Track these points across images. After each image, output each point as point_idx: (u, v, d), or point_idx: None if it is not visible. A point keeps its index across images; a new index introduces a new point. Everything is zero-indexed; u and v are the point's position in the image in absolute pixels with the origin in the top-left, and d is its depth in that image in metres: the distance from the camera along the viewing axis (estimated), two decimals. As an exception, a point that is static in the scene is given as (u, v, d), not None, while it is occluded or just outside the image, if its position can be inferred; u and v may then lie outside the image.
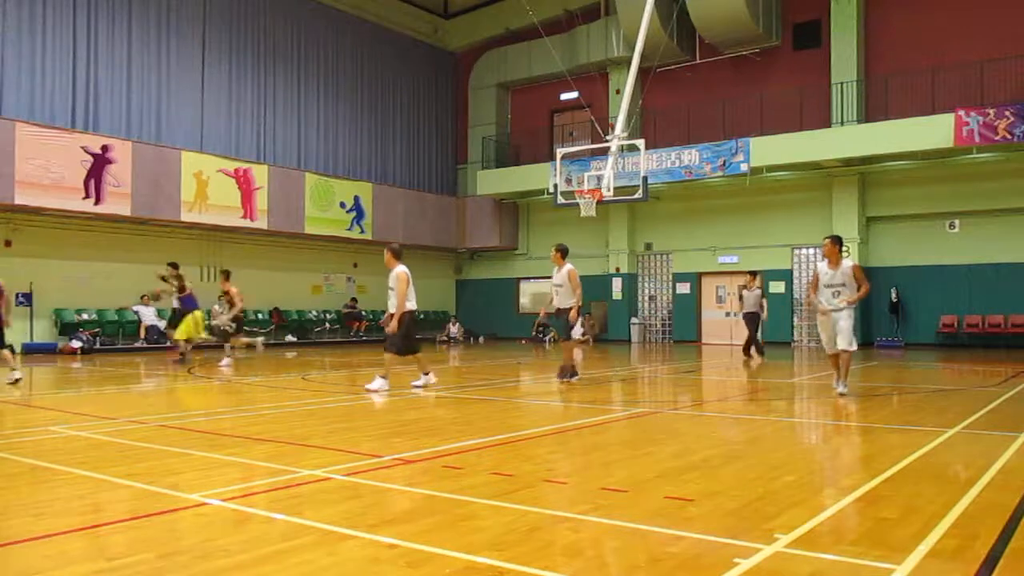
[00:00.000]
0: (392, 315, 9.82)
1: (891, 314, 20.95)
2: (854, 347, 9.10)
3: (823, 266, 9.17)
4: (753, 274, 17.01)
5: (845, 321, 8.97)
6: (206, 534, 3.59)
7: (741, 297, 16.92)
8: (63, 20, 18.61)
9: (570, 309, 10.70)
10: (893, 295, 20.86)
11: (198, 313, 15.04)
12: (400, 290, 9.67)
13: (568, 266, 10.76)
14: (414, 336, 10.17)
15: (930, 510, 3.93)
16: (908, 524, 3.68)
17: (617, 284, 25.27)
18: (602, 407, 8.90)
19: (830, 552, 3.27)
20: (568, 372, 10.98)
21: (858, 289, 9.00)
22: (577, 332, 11.26)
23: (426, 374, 10.23)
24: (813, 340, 22.25)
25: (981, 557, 3.21)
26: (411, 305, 9.88)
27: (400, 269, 9.80)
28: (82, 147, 17.69)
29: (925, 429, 6.66)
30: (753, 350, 16.53)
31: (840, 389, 9.18)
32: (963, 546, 3.36)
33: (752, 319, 16.48)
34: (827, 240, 9.16)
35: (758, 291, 16.53)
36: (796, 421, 7.82)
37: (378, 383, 9.77)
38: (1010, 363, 14.69)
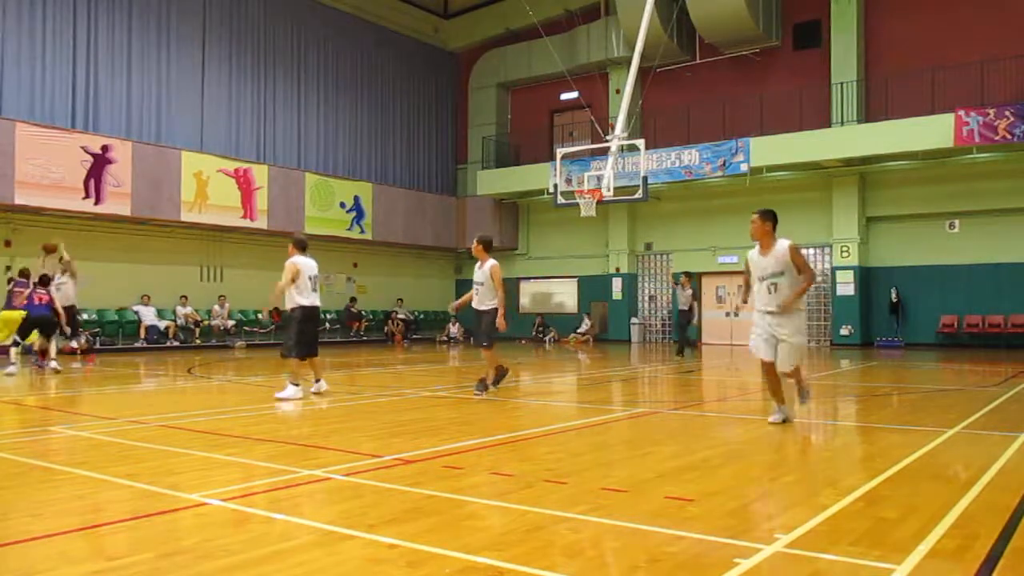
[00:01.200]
0: (291, 310, 8.96)
1: (891, 314, 20.94)
2: (790, 368, 6.78)
3: (754, 253, 6.89)
4: (688, 275, 17.55)
5: (788, 331, 6.60)
6: (206, 534, 3.59)
7: (675, 295, 17.53)
8: (63, 20, 18.61)
9: (491, 310, 9.38)
10: (893, 295, 20.86)
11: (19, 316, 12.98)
12: (284, 280, 8.83)
13: (491, 261, 9.47)
14: (308, 335, 9.07)
15: (930, 510, 3.93)
16: (908, 524, 3.68)
17: (617, 284, 25.27)
18: (602, 407, 8.91)
19: (830, 552, 3.27)
20: (492, 381, 9.59)
21: (799, 278, 6.66)
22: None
23: (317, 380, 9.10)
24: (812, 340, 22.27)
25: (981, 557, 3.21)
26: (303, 300, 8.89)
27: (289, 260, 8.94)
28: (82, 147, 17.69)
29: (925, 429, 6.66)
30: (682, 346, 17.05)
31: (774, 418, 6.89)
32: (963, 546, 3.36)
33: (684, 316, 17.00)
34: (754, 216, 6.78)
35: (689, 292, 17.01)
36: (796, 421, 7.81)
37: (290, 391, 8.79)
38: (1010, 363, 14.68)
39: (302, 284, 8.90)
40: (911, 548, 3.29)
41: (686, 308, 16.94)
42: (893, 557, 3.17)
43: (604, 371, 14.21)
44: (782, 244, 6.69)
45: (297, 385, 8.81)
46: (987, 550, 3.30)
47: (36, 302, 13.07)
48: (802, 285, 6.64)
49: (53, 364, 12.79)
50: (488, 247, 9.57)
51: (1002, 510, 3.94)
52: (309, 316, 9.00)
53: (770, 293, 6.67)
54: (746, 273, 7.07)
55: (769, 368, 6.80)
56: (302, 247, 9.16)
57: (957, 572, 3.09)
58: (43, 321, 13.03)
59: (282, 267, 9.10)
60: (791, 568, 3.13)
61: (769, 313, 6.72)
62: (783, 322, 6.63)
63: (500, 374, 9.66)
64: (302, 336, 8.97)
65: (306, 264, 9.03)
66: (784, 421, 6.83)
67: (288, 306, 8.97)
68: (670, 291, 24.69)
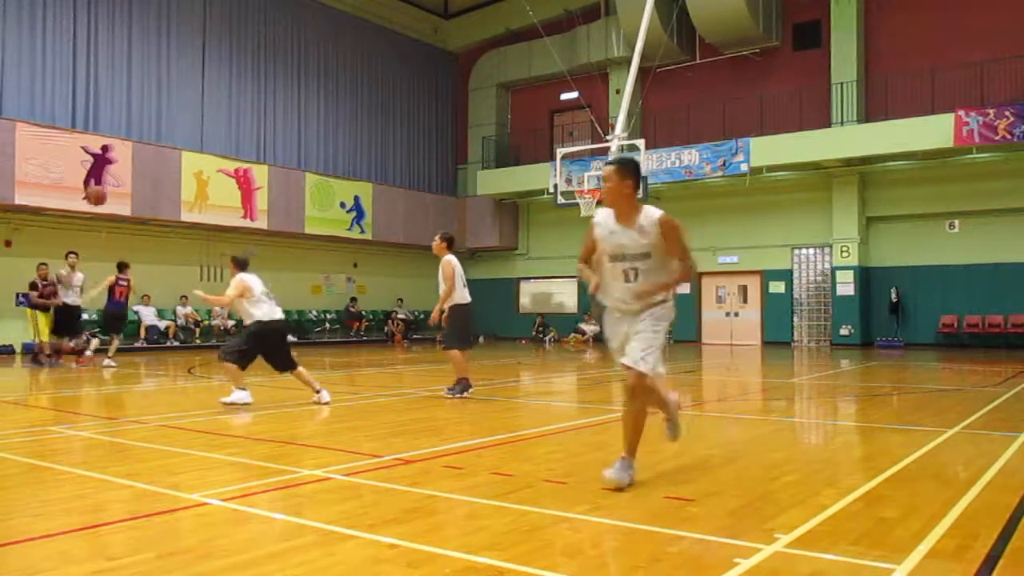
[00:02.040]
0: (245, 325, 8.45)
1: (891, 314, 20.95)
2: (649, 368, 4.42)
3: (603, 219, 4.68)
4: None
5: (646, 325, 4.51)
6: (206, 534, 3.59)
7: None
8: (63, 20, 18.61)
9: (451, 308, 8.90)
10: (893, 295, 20.86)
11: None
12: (229, 296, 8.34)
13: (445, 257, 8.94)
14: (259, 350, 8.37)
15: (930, 510, 3.93)
16: (908, 524, 3.68)
17: (617, 284, 25.22)
18: (602, 407, 8.90)
19: (830, 552, 3.27)
20: (462, 385, 9.00)
21: (673, 264, 4.61)
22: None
23: (318, 391, 8.47)
24: (812, 339, 22.27)
25: (981, 557, 3.21)
26: (260, 315, 8.31)
27: (235, 277, 8.39)
28: (82, 147, 17.69)
29: (925, 429, 6.66)
30: None
31: (611, 473, 4.45)
32: (963, 546, 3.36)
33: None
34: (609, 168, 4.62)
35: None
36: (796, 421, 7.82)
37: (236, 395, 8.17)
38: (1010, 363, 14.68)
39: (256, 299, 8.27)
40: (911, 548, 3.29)
41: None
42: (893, 557, 3.17)
43: (604, 371, 14.21)
44: (651, 214, 4.56)
45: (244, 389, 8.18)
46: (987, 550, 3.30)
47: (117, 297, 14.21)
48: (678, 273, 4.63)
49: (108, 361, 13.89)
50: (451, 244, 9.16)
51: (1002, 510, 3.94)
52: (267, 331, 8.31)
53: (628, 281, 4.57)
54: (586, 249, 4.77)
55: (636, 375, 4.46)
56: (242, 266, 8.46)
57: (957, 572, 3.09)
58: (116, 316, 14.38)
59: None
60: (791, 568, 3.13)
61: (624, 312, 4.63)
62: (642, 320, 4.55)
63: (462, 385, 8.98)
64: (248, 347, 8.25)
65: (254, 279, 8.42)
66: (618, 488, 4.38)
67: (251, 321, 8.33)
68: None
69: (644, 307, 4.57)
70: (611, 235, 4.63)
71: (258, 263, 25.02)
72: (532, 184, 25.04)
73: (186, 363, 15.24)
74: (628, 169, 4.62)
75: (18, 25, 17.83)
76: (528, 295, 27.91)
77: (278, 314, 8.45)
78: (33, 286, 14.05)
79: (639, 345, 4.49)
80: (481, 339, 26.24)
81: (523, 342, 25.09)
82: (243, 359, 8.23)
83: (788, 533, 3.51)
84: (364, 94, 25.81)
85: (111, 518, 3.91)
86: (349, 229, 23.77)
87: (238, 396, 8.14)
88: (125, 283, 14.25)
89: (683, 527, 3.64)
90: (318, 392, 8.53)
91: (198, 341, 20.58)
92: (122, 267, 14.34)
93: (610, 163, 4.65)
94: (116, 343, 14.60)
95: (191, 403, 9.11)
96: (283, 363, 8.53)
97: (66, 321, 14.06)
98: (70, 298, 13.95)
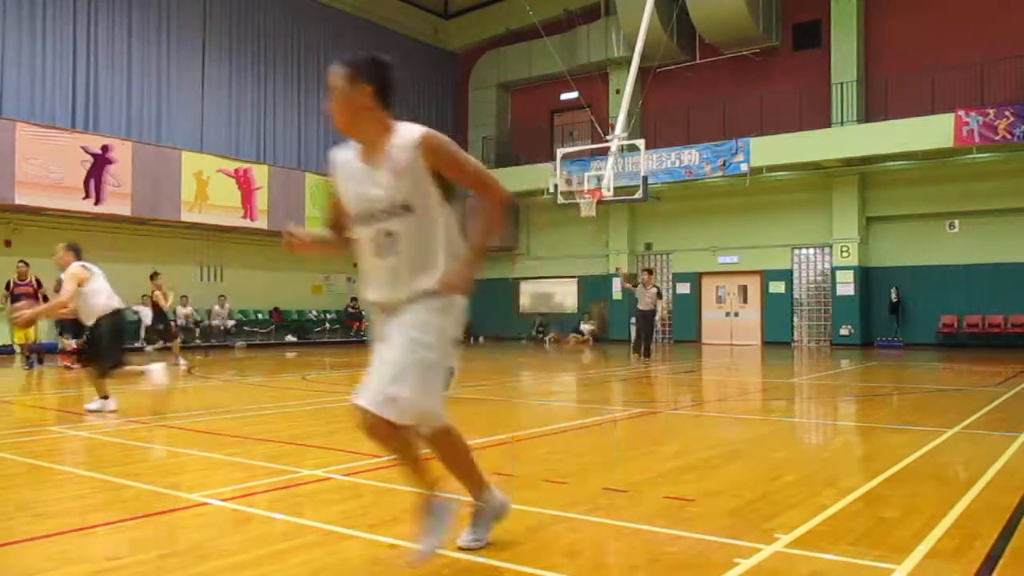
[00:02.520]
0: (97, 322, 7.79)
1: (891, 314, 20.94)
2: (406, 414, 2.79)
3: (344, 157, 3.06)
4: (649, 271, 16.48)
5: (418, 329, 2.81)
6: (206, 534, 3.59)
7: (635, 293, 16.11)
8: (63, 20, 18.61)
9: None
10: (893, 295, 20.86)
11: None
12: (70, 290, 7.63)
13: None
14: (121, 343, 8.03)
15: (930, 510, 3.93)
16: (908, 524, 3.68)
17: (617, 284, 25.24)
18: (602, 407, 8.90)
19: (830, 552, 3.27)
20: None
21: (482, 223, 2.93)
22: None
23: (104, 397, 7.79)
24: (812, 339, 22.27)
25: (981, 557, 3.21)
26: (114, 304, 7.86)
27: (73, 267, 7.71)
28: (82, 147, 17.69)
29: (925, 429, 6.65)
30: (642, 349, 15.71)
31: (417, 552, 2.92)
32: (963, 546, 3.36)
33: (647, 317, 15.82)
34: (334, 71, 2.88)
35: (654, 290, 15.86)
36: (796, 421, 7.82)
37: (156, 371, 7.91)
38: (1010, 363, 14.68)
39: (100, 287, 7.76)
40: (911, 548, 3.29)
41: (650, 309, 15.72)
42: (893, 557, 3.17)
43: (604, 371, 14.20)
44: (406, 135, 2.91)
45: (165, 365, 8.02)
46: (987, 550, 3.30)
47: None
48: (476, 237, 2.93)
49: (180, 364, 14.44)
50: None
51: (1002, 510, 3.94)
52: (122, 319, 8.00)
53: (383, 255, 2.92)
54: (330, 207, 3.23)
55: (378, 426, 2.84)
56: (79, 254, 7.88)
57: (957, 572, 3.09)
58: (154, 323, 15.91)
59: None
60: (791, 568, 3.13)
61: (382, 305, 2.97)
62: (413, 315, 2.86)
63: None
64: (119, 346, 7.90)
65: (95, 268, 7.88)
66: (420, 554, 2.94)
67: (94, 317, 7.71)
68: (670, 291, 24.36)
69: (412, 296, 2.86)
70: (351, 183, 2.97)
71: (258, 263, 25.02)
72: (532, 184, 24.99)
73: (185, 363, 15.23)
74: (364, 69, 2.86)
75: (18, 25, 17.84)
76: (528, 295, 27.90)
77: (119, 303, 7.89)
78: (6, 286, 13.98)
79: (389, 370, 2.77)
80: (481, 339, 26.26)
81: (523, 342, 25.08)
82: (122, 360, 7.75)
83: (788, 533, 3.51)
84: (364, 94, 25.78)
85: (111, 518, 3.91)
86: (349, 229, 23.75)
87: (158, 372, 7.82)
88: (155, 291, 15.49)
89: (683, 527, 3.64)
90: (105, 398, 7.79)
91: (198, 341, 20.58)
92: (152, 276, 15.74)
93: (337, 63, 2.88)
94: (174, 345, 15.28)
95: (191, 403, 9.11)
96: (121, 360, 7.89)
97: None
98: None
